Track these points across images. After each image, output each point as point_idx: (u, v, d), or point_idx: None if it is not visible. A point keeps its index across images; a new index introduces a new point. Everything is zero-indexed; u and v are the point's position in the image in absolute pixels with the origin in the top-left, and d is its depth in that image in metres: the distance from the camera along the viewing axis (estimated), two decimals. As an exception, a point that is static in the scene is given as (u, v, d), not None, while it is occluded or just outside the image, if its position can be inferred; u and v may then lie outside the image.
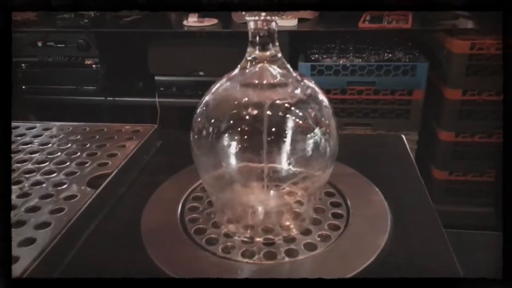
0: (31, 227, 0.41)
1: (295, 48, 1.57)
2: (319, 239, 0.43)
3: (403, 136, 0.63)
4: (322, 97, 0.43)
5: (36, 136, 0.60)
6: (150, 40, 1.64)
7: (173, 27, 1.70)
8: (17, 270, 0.36)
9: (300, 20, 1.57)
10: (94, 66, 1.64)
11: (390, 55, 1.50)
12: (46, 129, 0.62)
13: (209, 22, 1.61)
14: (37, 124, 0.63)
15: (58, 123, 0.63)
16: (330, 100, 0.44)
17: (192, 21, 1.60)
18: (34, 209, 0.44)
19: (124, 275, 0.40)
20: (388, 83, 1.47)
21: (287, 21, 1.53)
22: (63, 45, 1.63)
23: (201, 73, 1.62)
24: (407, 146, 0.61)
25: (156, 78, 1.64)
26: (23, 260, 0.37)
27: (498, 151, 1.44)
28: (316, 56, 1.51)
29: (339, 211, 0.47)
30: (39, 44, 1.64)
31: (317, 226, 0.45)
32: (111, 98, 1.66)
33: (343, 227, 0.45)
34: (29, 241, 0.39)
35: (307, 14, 1.60)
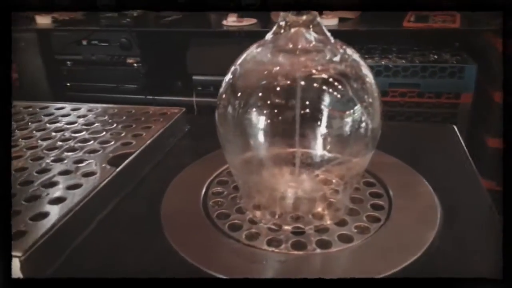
0: (45, 202, 0.39)
1: (335, 48, 1.52)
2: (355, 230, 0.38)
3: (455, 127, 0.57)
4: (365, 70, 0.38)
5: (64, 116, 0.58)
6: (189, 39, 1.65)
7: (212, 27, 1.69)
8: (24, 244, 0.33)
9: (341, 20, 1.53)
10: (135, 65, 1.66)
11: (436, 56, 1.43)
12: (74, 110, 0.60)
13: (248, 21, 1.59)
14: (66, 105, 0.62)
15: (86, 105, 0.62)
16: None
17: (231, 20, 1.59)
18: (51, 184, 0.42)
19: (139, 259, 0.37)
20: (433, 86, 1.39)
21: (328, 21, 1.49)
22: (107, 44, 1.67)
23: (238, 72, 1.60)
24: (460, 138, 0.54)
25: (194, 77, 1.64)
26: (32, 235, 0.34)
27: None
28: (357, 55, 1.46)
29: (380, 202, 0.42)
30: (84, 42, 1.68)
31: (354, 217, 0.40)
32: (150, 97, 1.67)
33: (383, 219, 0.39)
34: (42, 216, 0.37)
35: (348, 13, 1.55)
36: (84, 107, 0.61)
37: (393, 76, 1.41)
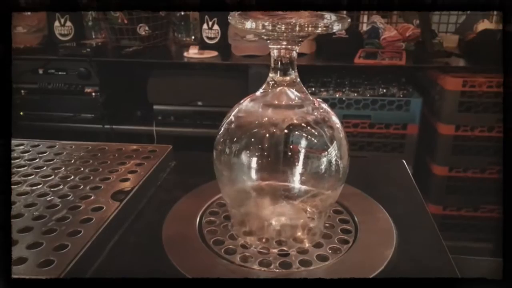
0: (64, 234, 0.44)
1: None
2: (330, 251, 0.46)
3: (404, 161, 0.67)
4: (335, 118, 0.47)
5: (57, 154, 0.63)
6: (150, 70, 1.69)
7: (173, 58, 1.75)
8: (53, 272, 0.38)
9: (298, 55, 1.63)
10: (93, 94, 1.66)
11: (384, 90, 1.56)
12: (65, 148, 0.65)
13: (209, 54, 1.65)
14: (57, 143, 0.66)
15: (76, 142, 0.67)
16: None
17: (192, 52, 1.64)
18: (64, 219, 0.47)
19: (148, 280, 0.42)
20: (383, 117, 1.51)
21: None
22: (64, 73, 1.66)
23: (199, 103, 1.66)
24: (409, 170, 0.65)
25: (155, 107, 1.67)
26: (59, 264, 0.39)
27: (491, 186, 1.47)
28: (313, 89, 1.57)
29: (348, 227, 0.50)
30: (40, 71, 1.67)
31: (327, 240, 0.48)
32: (108, 126, 1.67)
33: (352, 241, 0.48)
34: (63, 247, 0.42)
35: (304, 48, 1.66)
36: (74, 145, 0.66)
37: (347, 108, 1.52)
